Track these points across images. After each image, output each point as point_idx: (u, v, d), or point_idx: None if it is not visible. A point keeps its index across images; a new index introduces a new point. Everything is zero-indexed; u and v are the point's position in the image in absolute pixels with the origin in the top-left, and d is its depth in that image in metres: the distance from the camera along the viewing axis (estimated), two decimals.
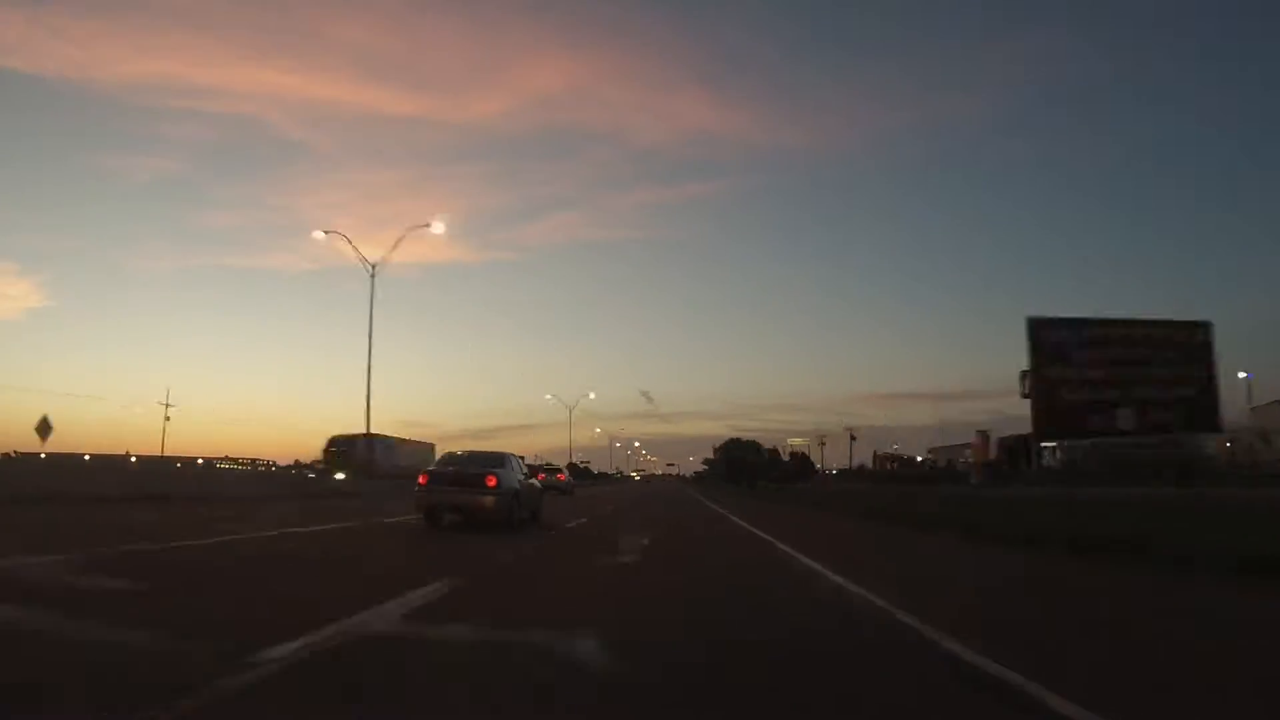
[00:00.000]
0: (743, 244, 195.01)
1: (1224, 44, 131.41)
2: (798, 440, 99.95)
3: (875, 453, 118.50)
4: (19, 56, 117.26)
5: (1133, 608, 7.33)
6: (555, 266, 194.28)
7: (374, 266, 34.54)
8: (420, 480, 15.59)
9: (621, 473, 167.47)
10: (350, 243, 34.63)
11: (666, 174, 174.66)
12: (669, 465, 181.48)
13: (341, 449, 52.88)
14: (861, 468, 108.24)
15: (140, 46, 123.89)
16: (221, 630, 4.85)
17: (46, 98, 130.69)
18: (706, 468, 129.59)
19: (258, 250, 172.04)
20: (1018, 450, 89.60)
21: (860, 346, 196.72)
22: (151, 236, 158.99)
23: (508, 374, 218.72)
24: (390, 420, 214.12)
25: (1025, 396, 74.75)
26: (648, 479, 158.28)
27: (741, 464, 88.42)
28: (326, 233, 36.15)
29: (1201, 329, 27.55)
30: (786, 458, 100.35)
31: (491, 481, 14.74)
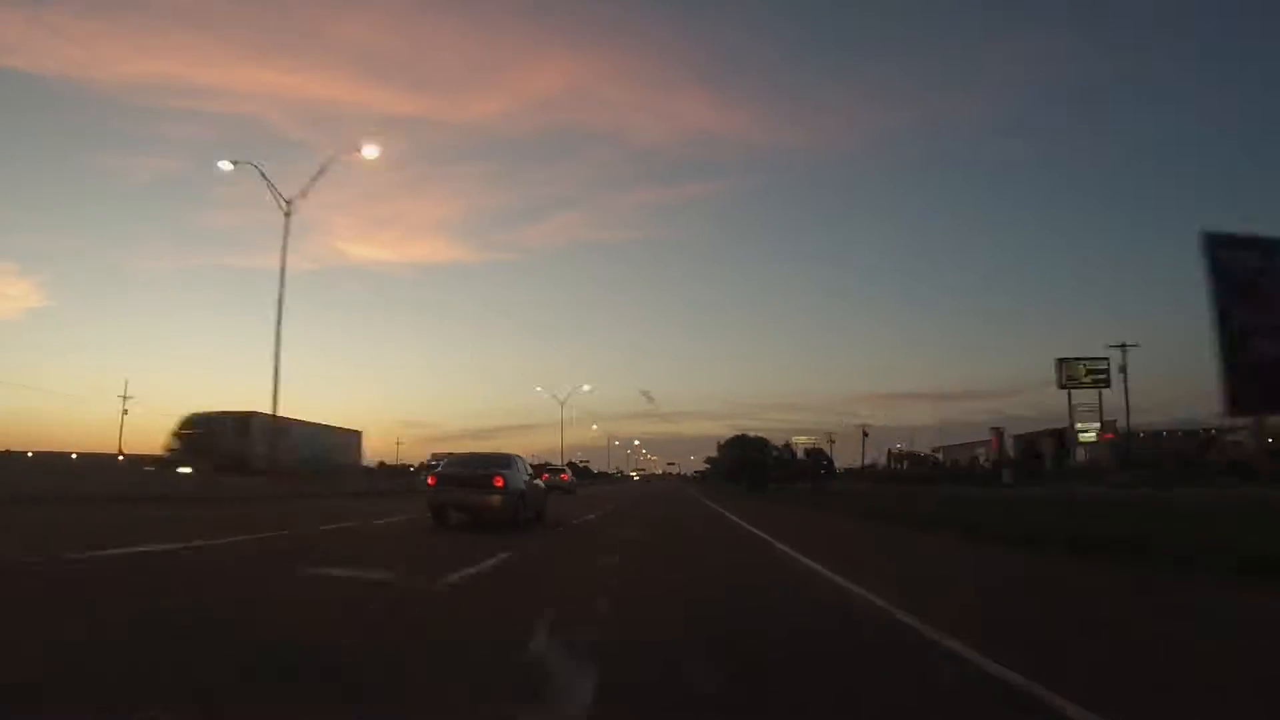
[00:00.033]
0: (743, 244, 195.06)
1: (1224, 44, 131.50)
2: (802, 439, 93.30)
3: (889, 450, 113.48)
4: (19, 56, 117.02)
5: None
6: (555, 267, 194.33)
7: (289, 203, 30.89)
8: (429, 481, 16.43)
9: (621, 472, 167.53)
10: (265, 177, 30.69)
11: (666, 174, 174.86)
12: (669, 464, 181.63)
13: (198, 430, 37.12)
14: (872, 466, 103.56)
15: (140, 46, 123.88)
16: None
17: (47, 97, 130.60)
18: (709, 466, 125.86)
19: (258, 250, 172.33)
20: (1039, 447, 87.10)
21: (860, 346, 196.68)
22: (151, 236, 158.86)
23: (508, 374, 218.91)
24: (390, 420, 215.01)
25: (1062, 387, 68.02)
26: (647, 479, 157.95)
27: (748, 463, 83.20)
28: (235, 164, 30.99)
29: None
30: (800, 455, 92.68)
31: (499, 482, 15.13)
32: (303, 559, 8.87)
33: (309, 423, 44.38)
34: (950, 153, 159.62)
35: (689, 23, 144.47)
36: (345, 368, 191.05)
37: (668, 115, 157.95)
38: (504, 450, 18.24)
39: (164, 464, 35.91)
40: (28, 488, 19.17)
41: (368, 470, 67.19)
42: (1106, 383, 72.86)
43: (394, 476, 71.36)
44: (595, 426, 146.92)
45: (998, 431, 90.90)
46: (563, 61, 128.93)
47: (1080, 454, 77.04)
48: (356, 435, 51.86)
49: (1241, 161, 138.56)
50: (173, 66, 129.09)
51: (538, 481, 19.04)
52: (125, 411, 78.82)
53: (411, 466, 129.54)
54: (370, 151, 31.04)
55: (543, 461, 60.45)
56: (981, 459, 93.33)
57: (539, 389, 60.05)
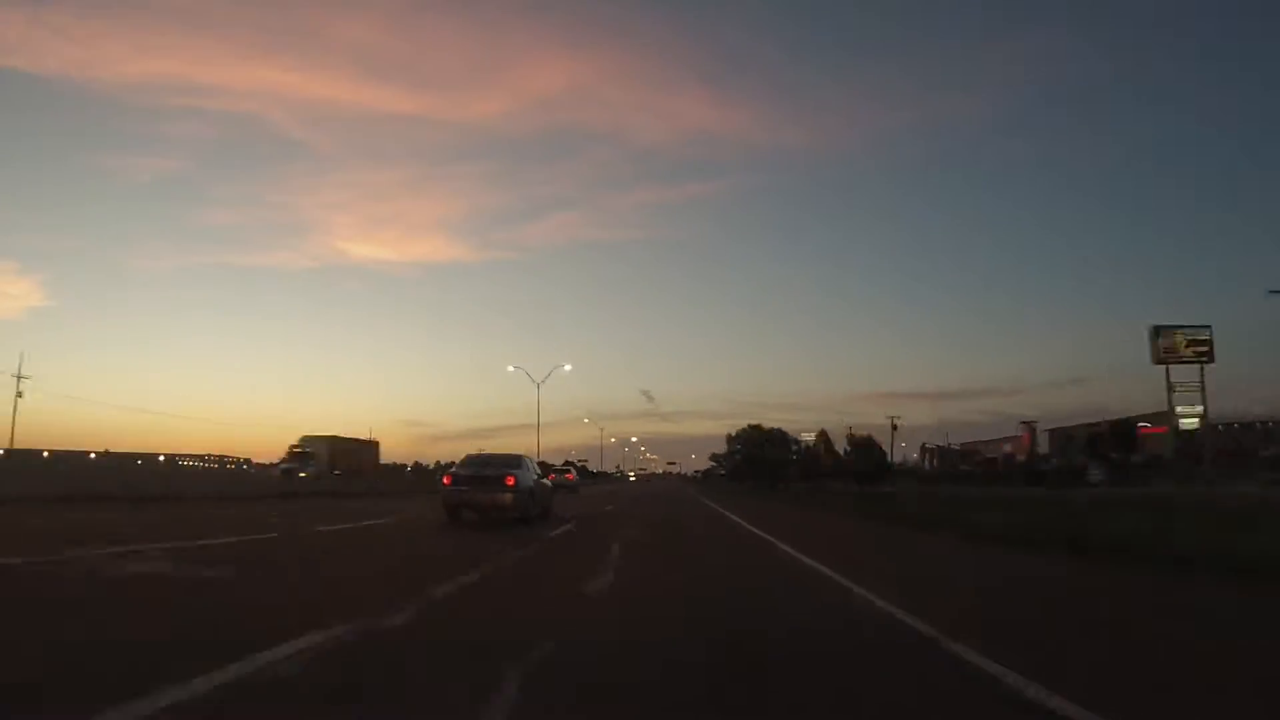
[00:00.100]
0: (743, 243, 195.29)
1: (1224, 44, 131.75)
2: (809, 436, 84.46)
3: (924, 445, 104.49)
4: (20, 56, 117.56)
5: None
6: (556, 266, 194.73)
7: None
8: (445, 481, 17.16)
9: (621, 471, 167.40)
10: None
11: (667, 174, 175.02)
12: (669, 464, 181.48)
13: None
14: (902, 464, 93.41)
15: (141, 46, 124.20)
16: None
17: (47, 97, 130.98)
18: (715, 464, 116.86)
19: (258, 249, 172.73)
20: (1076, 440, 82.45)
21: (860, 346, 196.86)
22: (152, 235, 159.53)
23: (510, 374, 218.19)
24: (390, 420, 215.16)
25: (1160, 362, 59.97)
26: (647, 478, 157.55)
27: (763, 459, 71.05)
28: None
29: None
30: (844, 449, 77.20)
31: (510, 481, 16.15)
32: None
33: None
34: (950, 153, 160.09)
35: (689, 23, 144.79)
36: (345, 367, 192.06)
37: (668, 115, 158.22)
38: (501, 450, 18.72)
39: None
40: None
41: (389, 470, 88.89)
42: (1209, 356, 61.78)
43: (393, 476, 79.89)
44: (586, 418, 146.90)
45: (1029, 426, 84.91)
46: (563, 61, 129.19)
47: (1146, 446, 69.99)
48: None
49: (1241, 161, 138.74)
50: (173, 66, 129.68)
51: (545, 481, 20.15)
52: (20, 394, 69.69)
53: (408, 466, 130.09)
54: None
55: (539, 461, 61.59)
56: (1013, 455, 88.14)
57: (512, 368, 56.02)
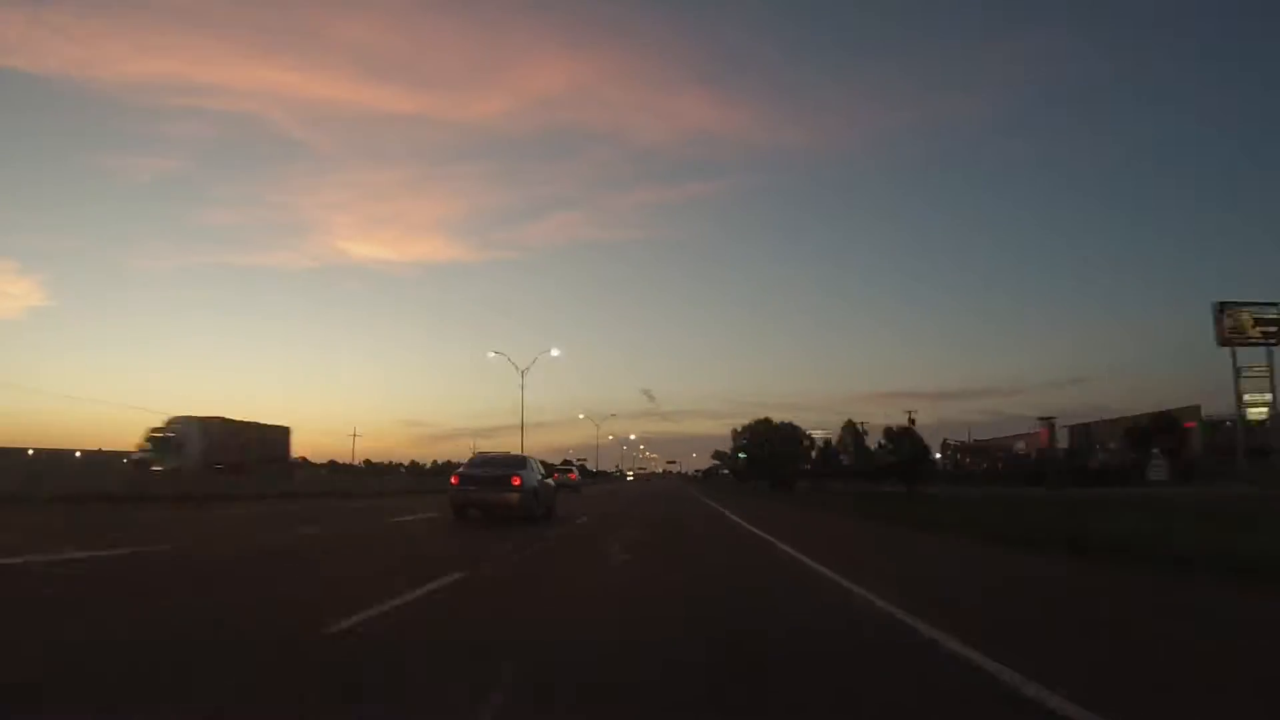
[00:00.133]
0: (743, 243, 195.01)
1: (1224, 44, 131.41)
2: (820, 432, 77.35)
3: (945, 441, 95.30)
4: (20, 56, 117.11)
5: None
6: (556, 266, 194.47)
7: (524, 373, 39.71)
8: (453, 481, 17.65)
9: (620, 470, 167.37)
10: (508, 359, 40.64)
11: (667, 174, 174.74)
12: (669, 463, 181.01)
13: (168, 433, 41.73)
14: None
15: (141, 45, 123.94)
16: None
17: (47, 97, 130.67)
18: (718, 462, 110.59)
19: (258, 249, 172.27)
20: (1095, 438, 78.30)
21: (860, 346, 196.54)
22: (152, 235, 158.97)
23: (510, 373, 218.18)
24: (390, 419, 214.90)
25: (1225, 343, 53.76)
26: (647, 477, 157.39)
27: (772, 456, 63.90)
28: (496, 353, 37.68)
29: None
30: (880, 442, 64.14)
31: (516, 481, 16.64)
32: None
33: (239, 421, 46.89)
34: (950, 153, 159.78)
35: (690, 23, 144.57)
36: (346, 366, 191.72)
37: (668, 115, 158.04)
38: (495, 449, 19.05)
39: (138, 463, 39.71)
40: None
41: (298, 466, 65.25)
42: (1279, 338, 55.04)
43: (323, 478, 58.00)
44: (582, 415, 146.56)
45: (1048, 422, 78.74)
46: (563, 61, 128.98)
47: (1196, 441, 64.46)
48: (283, 432, 52.71)
49: (1241, 161, 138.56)
50: (174, 65, 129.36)
51: (548, 480, 20.63)
52: None
53: (403, 466, 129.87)
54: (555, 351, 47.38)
55: (545, 461, 61.55)
56: (1028, 453, 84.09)
57: (492, 354, 55.55)
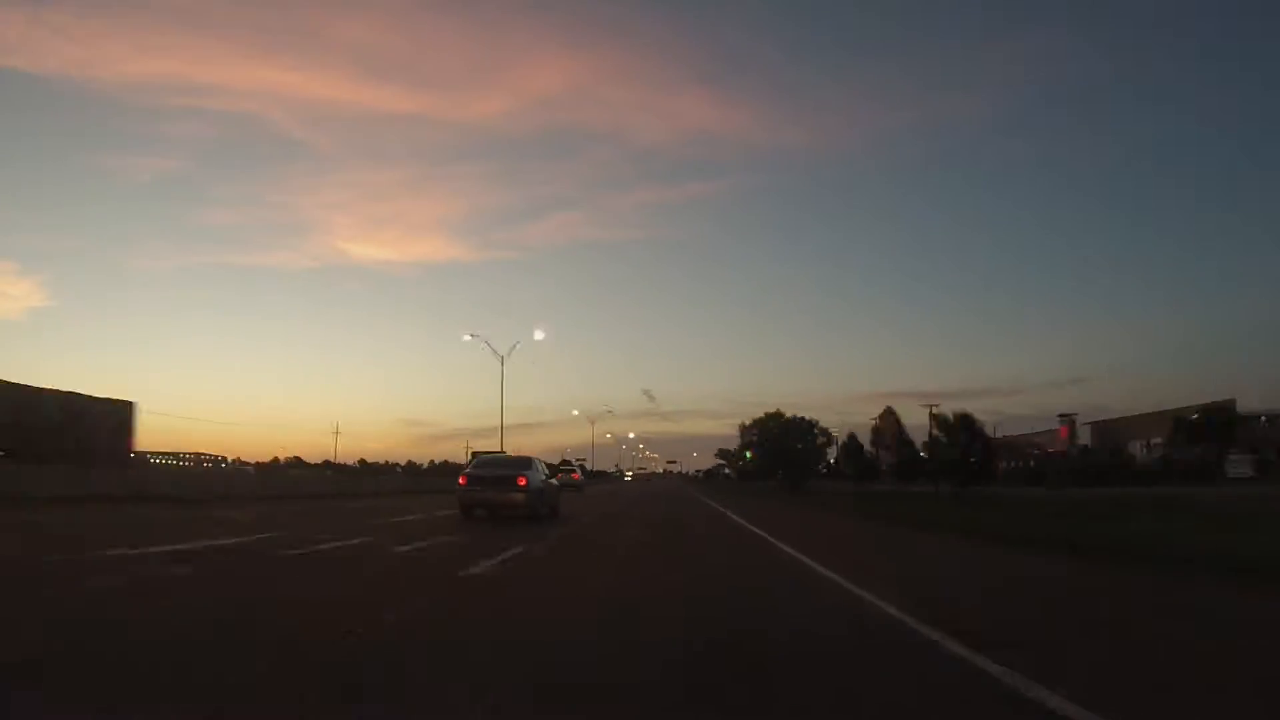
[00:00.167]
0: (743, 243, 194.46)
1: (1224, 44, 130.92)
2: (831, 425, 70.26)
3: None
4: (20, 56, 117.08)
5: None
6: (556, 266, 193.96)
7: (503, 359, 43.57)
8: (461, 481, 17.98)
9: (620, 469, 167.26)
10: (487, 344, 42.78)
11: (667, 174, 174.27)
12: (670, 462, 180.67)
13: None
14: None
15: (141, 45, 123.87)
16: None
17: (47, 97, 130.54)
18: (721, 461, 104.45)
19: (258, 249, 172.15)
20: (1120, 437, 72.75)
21: (860, 346, 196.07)
22: (152, 236, 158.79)
23: (510, 373, 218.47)
24: (390, 419, 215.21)
25: None
26: (647, 477, 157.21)
27: (784, 454, 57.88)
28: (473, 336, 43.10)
29: None
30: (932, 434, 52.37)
31: (522, 481, 17.09)
32: None
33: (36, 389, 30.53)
34: (950, 153, 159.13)
35: (689, 22, 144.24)
36: (345, 367, 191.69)
37: (668, 115, 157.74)
38: (498, 448, 19.26)
39: None
40: None
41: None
42: None
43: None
44: (609, 435, 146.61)
45: (1069, 419, 73.98)
46: (563, 61, 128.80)
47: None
48: (123, 409, 35.46)
49: (1241, 161, 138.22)
50: (174, 65, 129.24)
51: (552, 480, 21.04)
52: None
53: (399, 466, 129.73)
54: (539, 333, 45.82)
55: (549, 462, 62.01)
56: (1050, 450, 77.65)
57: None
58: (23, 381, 30.19)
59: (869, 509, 25.89)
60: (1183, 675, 4.56)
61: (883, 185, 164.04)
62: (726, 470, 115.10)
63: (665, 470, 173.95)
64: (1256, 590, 7.94)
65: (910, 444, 61.85)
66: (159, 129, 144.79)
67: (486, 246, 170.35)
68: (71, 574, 7.39)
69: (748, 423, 66.86)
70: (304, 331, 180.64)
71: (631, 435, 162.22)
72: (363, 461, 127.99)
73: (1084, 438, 79.59)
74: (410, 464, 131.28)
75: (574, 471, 57.30)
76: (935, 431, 49.59)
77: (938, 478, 45.89)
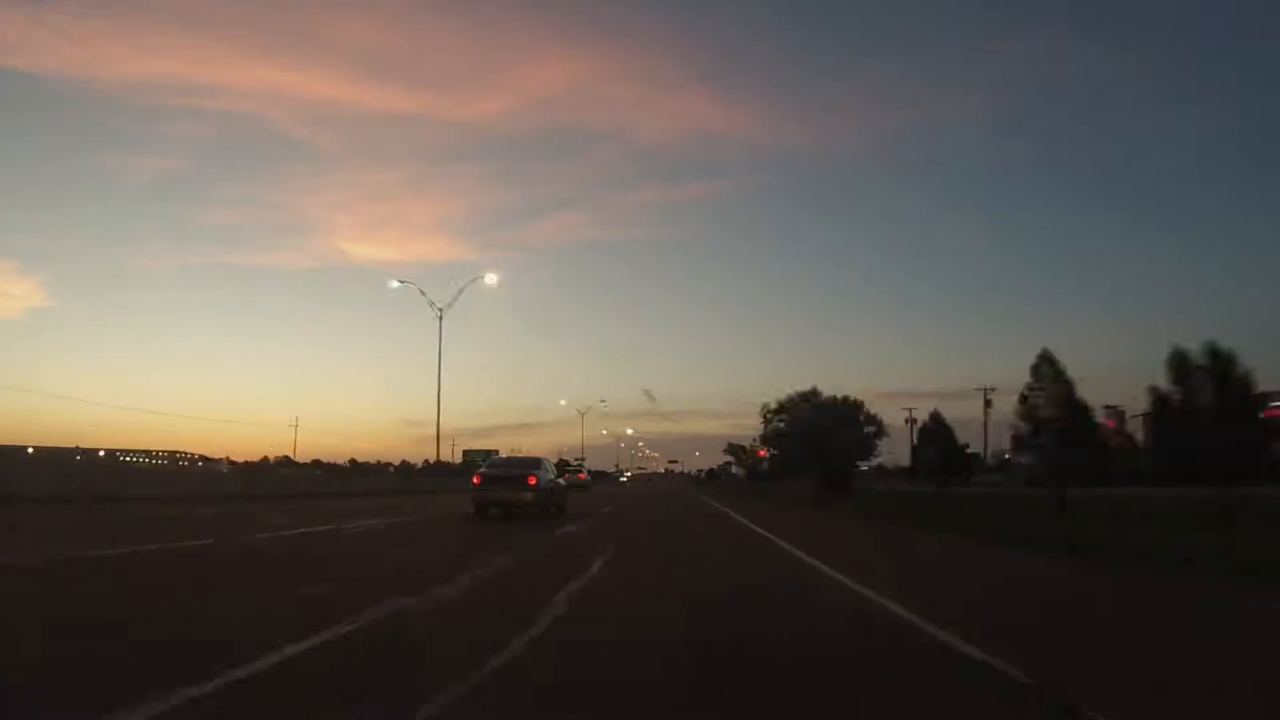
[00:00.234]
0: (744, 243, 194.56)
1: (1224, 44, 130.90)
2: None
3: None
4: (20, 55, 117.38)
5: None
6: (557, 266, 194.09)
7: (441, 311, 41.05)
8: (475, 480, 18.84)
9: (619, 469, 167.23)
10: (422, 293, 41.51)
11: (668, 173, 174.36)
12: (671, 462, 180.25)
13: None
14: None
15: (141, 45, 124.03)
16: None
17: (47, 97, 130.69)
18: (731, 459, 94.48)
19: (259, 249, 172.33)
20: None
21: (860, 346, 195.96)
22: (152, 236, 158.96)
23: (511, 373, 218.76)
24: (391, 419, 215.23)
25: None
26: (648, 477, 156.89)
27: (821, 447, 42.51)
28: (401, 283, 43.65)
29: None
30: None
31: (532, 481, 18.11)
32: None
33: None
34: (950, 152, 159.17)
35: (691, 22, 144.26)
36: (345, 367, 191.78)
37: (669, 114, 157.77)
38: (501, 449, 19.89)
39: None
40: None
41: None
42: None
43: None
44: (605, 431, 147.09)
45: (1116, 413, 68.40)
46: (564, 60, 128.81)
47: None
48: None
49: (1241, 161, 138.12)
50: (174, 65, 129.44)
51: (560, 480, 22.25)
52: None
53: (392, 465, 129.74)
54: (491, 279, 42.23)
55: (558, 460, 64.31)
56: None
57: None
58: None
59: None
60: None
61: (883, 185, 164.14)
62: (735, 468, 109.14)
63: (666, 470, 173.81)
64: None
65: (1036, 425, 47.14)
66: (159, 129, 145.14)
67: (487, 246, 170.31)
68: None
69: (773, 405, 51.21)
70: (304, 331, 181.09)
71: (630, 431, 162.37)
72: (353, 461, 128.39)
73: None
74: (404, 464, 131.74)
75: (580, 472, 62.98)
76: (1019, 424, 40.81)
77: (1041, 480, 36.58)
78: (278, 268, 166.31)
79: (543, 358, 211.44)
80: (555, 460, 70.31)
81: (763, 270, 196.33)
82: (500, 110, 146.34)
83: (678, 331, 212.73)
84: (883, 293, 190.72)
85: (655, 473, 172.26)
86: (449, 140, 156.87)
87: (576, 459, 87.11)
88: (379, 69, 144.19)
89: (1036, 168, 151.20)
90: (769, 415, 52.35)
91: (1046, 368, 33.91)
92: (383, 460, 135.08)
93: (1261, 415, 33.24)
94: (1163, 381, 32.07)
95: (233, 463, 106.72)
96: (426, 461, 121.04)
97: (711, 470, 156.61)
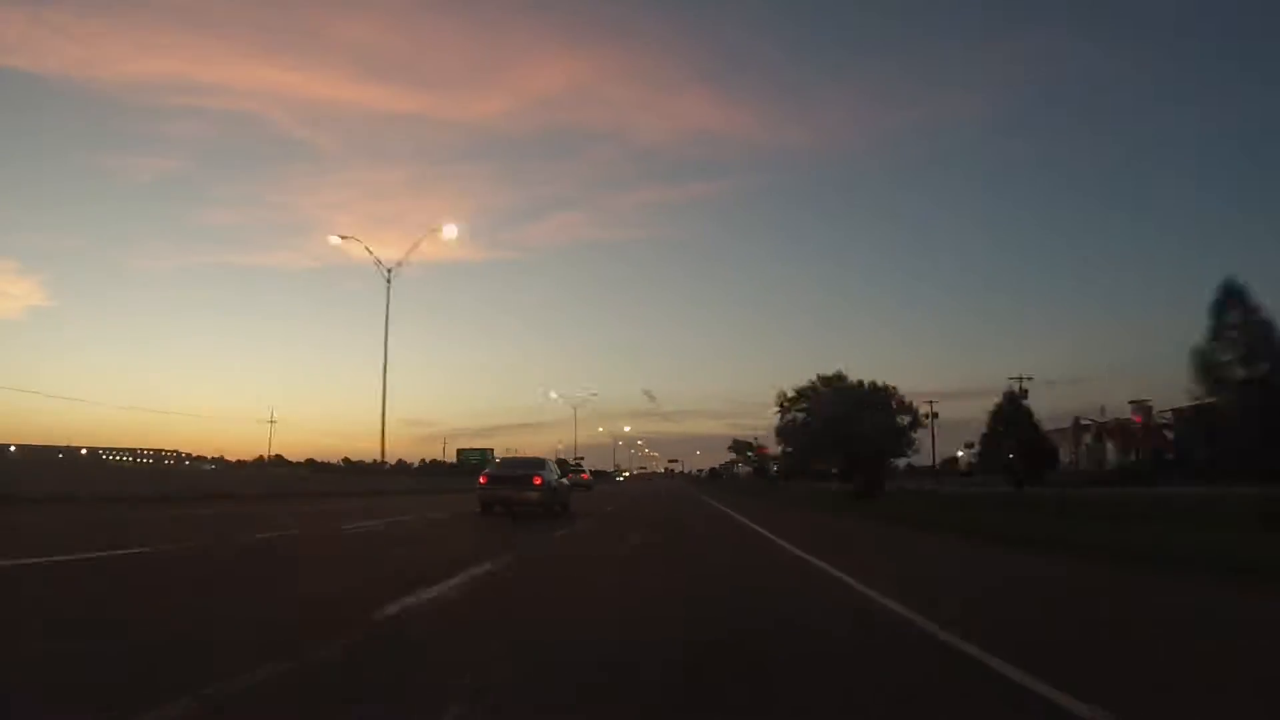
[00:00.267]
0: (745, 243, 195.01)
1: (1224, 44, 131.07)
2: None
3: (1077, 419, 68.39)
4: (21, 55, 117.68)
5: None
6: (558, 266, 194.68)
7: (390, 271, 34.61)
8: (481, 480, 19.49)
9: (618, 469, 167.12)
10: (369, 250, 34.38)
11: (669, 173, 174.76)
12: (671, 461, 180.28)
13: None
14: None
15: (142, 45, 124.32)
16: None
17: (48, 96, 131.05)
18: (734, 455, 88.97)
19: (259, 249, 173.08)
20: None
21: (861, 345, 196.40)
22: (152, 235, 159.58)
23: (511, 373, 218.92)
24: (393, 419, 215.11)
25: None
26: (648, 477, 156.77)
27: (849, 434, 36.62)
28: (344, 238, 35.89)
29: None
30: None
31: (538, 481, 18.64)
32: None
33: None
34: (950, 152, 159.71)
35: (691, 22, 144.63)
36: (346, 367, 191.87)
37: (670, 115, 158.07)
38: (496, 448, 20.54)
39: None
40: None
41: None
42: None
43: None
44: (601, 429, 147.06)
45: (1144, 407, 63.34)
46: (564, 61, 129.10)
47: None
48: None
49: (1241, 161, 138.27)
50: (173, 65, 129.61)
51: (564, 480, 22.83)
52: None
53: (386, 465, 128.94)
54: (450, 231, 35.25)
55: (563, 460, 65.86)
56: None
57: (553, 394, 69.29)
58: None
59: None
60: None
61: (883, 185, 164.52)
62: (740, 466, 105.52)
63: (666, 470, 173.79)
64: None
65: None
66: (159, 129, 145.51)
67: (490, 246, 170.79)
68: None
69: (790, 392, 42.86)
70: (304, 331, 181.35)
71: (627, 429, 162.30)
72: (347, 460, 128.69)
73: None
74: (400, 462, 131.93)
75: (584, 472, 65.61)
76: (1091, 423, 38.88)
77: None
78: (278, 268, 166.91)
79: (543, 358, 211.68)
80: (554, 460, 70.75)
81: (763, 270, 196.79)
82: (500, 110, 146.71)
83: (678, 331, 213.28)
84: (883, 293, 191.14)
85: (655, 472, 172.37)
86: (449, 140, 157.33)
87: (576, 459, 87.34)
88: (379, 69, 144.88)
89: (1036, 168, 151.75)
90: (785, 403, 43.86)
91: (1235, 305, 20.81)
92: (376, 460, 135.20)
93: None
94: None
95: (228, 462, 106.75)
96: (422, 461, 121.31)
97: (714, 470, 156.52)
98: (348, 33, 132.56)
